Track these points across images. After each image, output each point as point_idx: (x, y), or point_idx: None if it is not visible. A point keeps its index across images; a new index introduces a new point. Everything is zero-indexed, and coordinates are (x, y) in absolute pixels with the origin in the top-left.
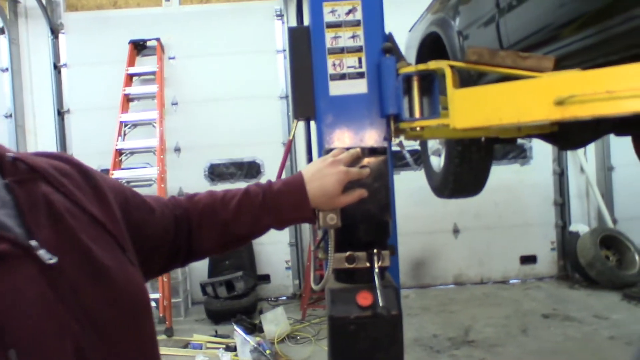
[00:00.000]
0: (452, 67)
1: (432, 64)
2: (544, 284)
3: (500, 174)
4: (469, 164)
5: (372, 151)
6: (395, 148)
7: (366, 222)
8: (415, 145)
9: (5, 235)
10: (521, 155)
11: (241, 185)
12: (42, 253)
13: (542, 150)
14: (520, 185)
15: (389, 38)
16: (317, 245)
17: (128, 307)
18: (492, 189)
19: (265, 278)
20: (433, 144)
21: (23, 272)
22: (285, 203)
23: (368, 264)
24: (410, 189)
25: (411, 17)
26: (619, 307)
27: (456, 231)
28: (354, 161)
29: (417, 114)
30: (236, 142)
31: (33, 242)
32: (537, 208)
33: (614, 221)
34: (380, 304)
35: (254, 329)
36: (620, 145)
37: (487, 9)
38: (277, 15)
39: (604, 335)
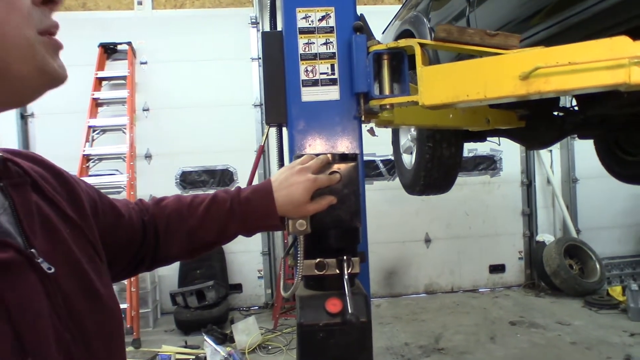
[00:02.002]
0: (422, 46)
1: (402, 42)
2: (512, 292)
3: (471, 185)
4: (440, 160)
5: (342, 157)
6: (366, 157)
7: (336, 228)
8: (388, 154)
9: (10, 242)
10: (491, 166)
11: None
12: (41, 262)
13: (511, 162)
14: (490, 196)
15: (360, 18)
16: (287, 251)
17: (108, 323)
18: (463, 200)
19: (237, 287)
20: (405, 142)
21: (28, 280)
22: (253, 211)
23: (338, 271)
24: (383, 198)
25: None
26: (580, 314)
27: (428, 241)
28: (324, 167)
29: (387, 92)
30: (209, 149)
31: (33, 251)
32: (506, 218)
33: (578, 231)
34: (350, 311)
35: (224, 339)
36: (584, 158)
37: (457, 5)
38: (252, 23)
39: (566, 341)
